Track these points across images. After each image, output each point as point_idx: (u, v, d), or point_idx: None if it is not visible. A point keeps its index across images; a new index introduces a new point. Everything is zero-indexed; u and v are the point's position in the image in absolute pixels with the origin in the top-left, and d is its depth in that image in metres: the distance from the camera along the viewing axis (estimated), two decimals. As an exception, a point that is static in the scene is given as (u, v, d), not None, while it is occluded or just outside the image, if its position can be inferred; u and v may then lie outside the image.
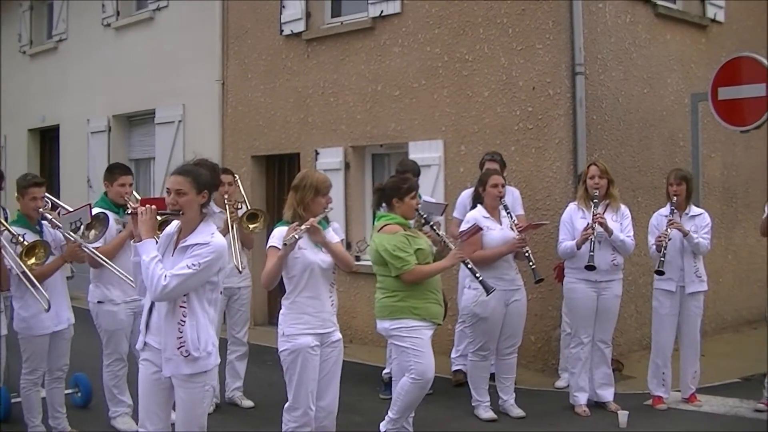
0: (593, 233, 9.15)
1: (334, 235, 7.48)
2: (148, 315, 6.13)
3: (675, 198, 9.57)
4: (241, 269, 9.77)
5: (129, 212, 5.96)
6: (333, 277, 7.32)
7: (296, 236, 6.82)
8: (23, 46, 22.60)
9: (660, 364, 9.71)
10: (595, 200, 9.33)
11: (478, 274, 8.37)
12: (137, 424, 6.33)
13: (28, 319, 8.24)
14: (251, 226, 9.74)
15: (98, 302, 8.91)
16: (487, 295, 8.53)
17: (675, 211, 9.54)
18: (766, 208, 9.53)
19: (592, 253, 9.12)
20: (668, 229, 9.39)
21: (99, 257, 8.37)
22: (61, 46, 21.19)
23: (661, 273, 9.41)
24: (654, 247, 9.53)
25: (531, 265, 9.14)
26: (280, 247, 6.95)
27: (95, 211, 8.45)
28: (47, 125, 21.84)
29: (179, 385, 6.00)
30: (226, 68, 16.15)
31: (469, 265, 8.32)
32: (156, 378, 6.06)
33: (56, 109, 21.06)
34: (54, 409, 8.67)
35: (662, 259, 9.34)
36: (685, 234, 9.41)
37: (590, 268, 9.14)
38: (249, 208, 10.04)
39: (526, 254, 9.16)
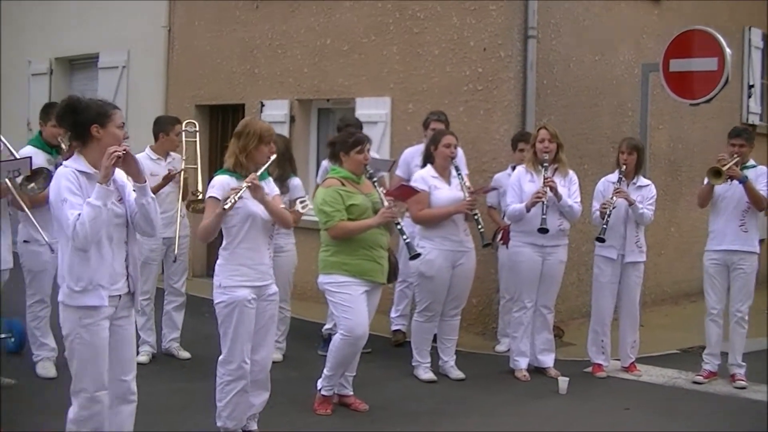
0: (545, 196, 9.07)
1: (275, 187, 7.28)
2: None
3: (624, 167, 9.51)
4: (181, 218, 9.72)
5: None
6: (273, 230, 7.17)
7: (235, 198, 6.61)
8: (-38, -16, 22.10)
9: (599, 332, 9.73)
10: (545, 164, 9.25)
11: (405, 236, 8.30)
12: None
13: None
14: (201, 206, 9.63)
15: (24, 241, 8.81)
16: (411, 259, 8.49)
17: (623, 179, 9.49)
18: (705, 180, 9.49)
19: (544, 216, 9.05)
20: (613, 197, 9.35)
21: (21, 205, 8.28)
22: (3, -14, 20.74)
23: (602, 240, 9.39)
24: (597, 213, 9.49)
25: (479, 229, 9.04)
26: (220, 197, 6.75)
27: (40, 165, 8.36)
28: (-14, 65, 21.41)
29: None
30: (173, 15, 15.89)
31: (399, 226, 8.20)
32: None
33: (-4, 50, 20.61)
34: None
35: (604, 226, 9.33)
36: (631, 203, 9.37)
37: (543, 230, 9.06)
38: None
39: (475, 217, 9.05)
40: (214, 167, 14.18)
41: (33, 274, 8.95)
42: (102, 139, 5.78)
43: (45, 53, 18.90)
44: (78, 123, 5.82)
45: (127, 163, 5.77)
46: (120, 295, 5.94)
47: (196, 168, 10.16)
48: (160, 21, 16.00)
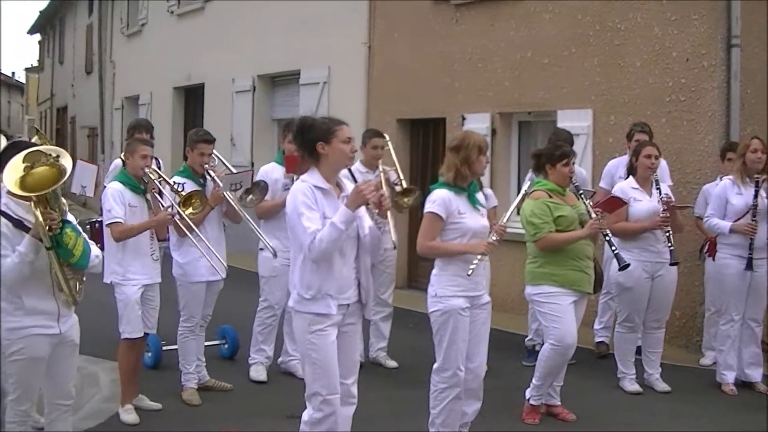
0: (752, 233, 8.96)
1: (483, 199, 7.44)
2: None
3: None
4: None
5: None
6: None
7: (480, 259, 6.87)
8: (171, 6, 23.07)
9: (809, 348, 9.49)
10: (756, 176, 9.07)
11: (614, 247, 8.27)
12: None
13: (184, 265, 8.58)
14: (405, 200, 9.80)
15: (260, 249, 9.25)
16: (619, 269, 8.44)
17: None
18: None
19: (751, 254, 9.00)
20: None
21: (244, 214, 8.70)
22: (209, 6, 21.55)
23: None
24: None
25: (669, 246, 8.93)
26: (440, 214, 6.88)
27: (258, 178, 9.06)
28: (192, 83, 22.25)
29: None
30: (372, 30, 16.19)
31: (607, 237, 8.18)
32: None
33: (201, 68, 21.45)
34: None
35: None
36: None
37: (749, 264, 9.04)
38: (401, 177, 10.04)
39: (667, 234, 8.94)
40: (416, 180, 14.41)
41: (265, 280, 9.45)
42: (329, 155, 6.10)
43: (248, 71, 19.58)
44: (306, 142, 6.16)
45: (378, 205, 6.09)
46: (349, 304, 6.19)
47: (394, 168, 10.21)
48: (360, 37, 16.32)
